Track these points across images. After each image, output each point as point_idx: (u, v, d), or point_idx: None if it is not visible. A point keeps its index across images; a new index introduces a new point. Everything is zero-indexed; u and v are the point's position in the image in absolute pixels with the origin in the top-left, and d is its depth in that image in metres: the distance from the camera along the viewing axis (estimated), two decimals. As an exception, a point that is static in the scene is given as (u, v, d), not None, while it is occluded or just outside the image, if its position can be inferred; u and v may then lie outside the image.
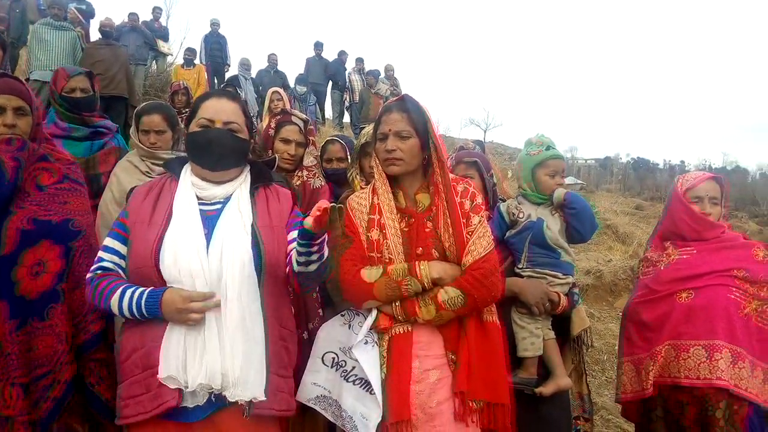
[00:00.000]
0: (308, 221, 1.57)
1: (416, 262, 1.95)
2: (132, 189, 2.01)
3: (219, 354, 1.69)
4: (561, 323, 2.51)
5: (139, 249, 1.80)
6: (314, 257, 1.73)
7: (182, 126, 3.07)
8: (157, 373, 1.69)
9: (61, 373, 1.97)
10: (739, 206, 21.78)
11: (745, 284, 2.35)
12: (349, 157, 3.11)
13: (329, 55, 12.62)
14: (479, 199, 2.08)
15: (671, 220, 2.55)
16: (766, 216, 21.28)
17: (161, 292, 1.71)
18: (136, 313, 1.73)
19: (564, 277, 2.44)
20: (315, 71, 12.19)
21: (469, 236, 1.98)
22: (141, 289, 1.75)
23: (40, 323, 1.96)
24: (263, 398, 1.72)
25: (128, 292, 1.75)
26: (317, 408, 2.02)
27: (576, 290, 2.55)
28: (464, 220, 2.00)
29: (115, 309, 1.77)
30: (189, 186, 1.90)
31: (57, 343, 1.97)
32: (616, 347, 2.68)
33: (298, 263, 1.77)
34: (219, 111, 1.90)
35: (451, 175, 2.09)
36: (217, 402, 1.73)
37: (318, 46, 12.38)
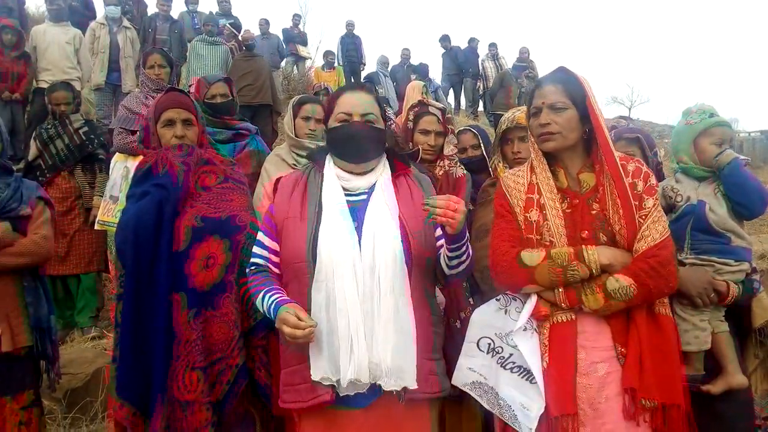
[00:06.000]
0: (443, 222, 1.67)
1: (583, 247, 1.80)
2: (277, 180, 2.08)
3: (366, 350, 1.73)
4: (741, 315, 2.25)
5: (294, 245, 1.85)
6: (464, 257, 1.81)
7: None
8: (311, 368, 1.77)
9: (233, 358, 2.12)
10: None
11: None
12: (482, 144, 3.09)
13: (460, 42, 12.53)
14: (653, 180, 1.88)
15: None
16: None
17: (278, 310, 1.76)
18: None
19: (737, 263, 2.18)
20: (446, 63, 12.21)
21: (642, 220, 1.80)
22: (272, 297, 1.81)
23: (212, 312, 2.13)
24: (415, 386, 1.75)
25: (265, 299, 1.83)
26: (472, 394, 1.95)
27: (756, 277, 2.26)
28: (636, 203, 1.81)
29: (260, 309, 1.89)
30: (334, 178, 1.93)
31: (230, 330, 2.13)
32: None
33: (450, 267, 1.83)
34: (355, 104, 1.92)
35: (618, 153, 1.90)
36: (376, 391, 1.77)
37: (444, 39, 12.26)
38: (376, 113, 1.95)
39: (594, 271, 1.77)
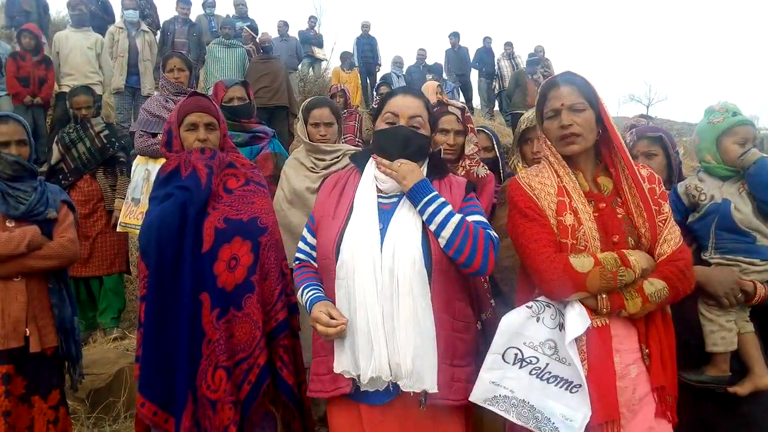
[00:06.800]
0: None
1: (625, 252, 1.78)
2: (324, 179, 2.15)
3: (386, 348, 1.75)
4: (766, 314, 2.20)
5: (323, 243, 1.93)
6: (453, 235, 1.82)
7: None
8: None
9: (257, 358, 2.15)
10: None
11: None
12: (495, 146, 3.09)
13: (473, 40, 12.47)
14: (663, 186, 1.91)
15: None
16: None
17: (314, 305, 1.87)
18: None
19: (763, 263, 2.14)
20: (455, 62, 12.11)
21: (662, 224, 1.82)
22: (308, 294, 1.92)
23: (237, 312, 2.16)
24: (435, 391, 1.75)
25: (303, 294, 1.94)
26: (495, 409, 1.81)
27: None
28: (656, 207, 1.83)
29: (301, 303, 1.98)
30: (371, 180, 1.97)
31: (254, 330, 2.16)
32: None
33: (451, 250, 1.83)
34: (404, 107, 1.96)
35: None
36: (395, 390, 1.80)
37: (454, 35, 12.18)
38: (423, 117, 1.98)
39: (637, 276, 1.76)
